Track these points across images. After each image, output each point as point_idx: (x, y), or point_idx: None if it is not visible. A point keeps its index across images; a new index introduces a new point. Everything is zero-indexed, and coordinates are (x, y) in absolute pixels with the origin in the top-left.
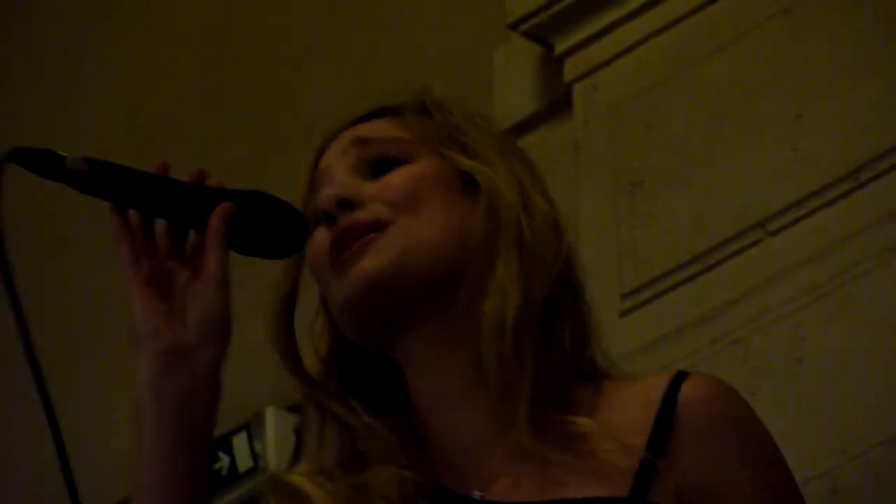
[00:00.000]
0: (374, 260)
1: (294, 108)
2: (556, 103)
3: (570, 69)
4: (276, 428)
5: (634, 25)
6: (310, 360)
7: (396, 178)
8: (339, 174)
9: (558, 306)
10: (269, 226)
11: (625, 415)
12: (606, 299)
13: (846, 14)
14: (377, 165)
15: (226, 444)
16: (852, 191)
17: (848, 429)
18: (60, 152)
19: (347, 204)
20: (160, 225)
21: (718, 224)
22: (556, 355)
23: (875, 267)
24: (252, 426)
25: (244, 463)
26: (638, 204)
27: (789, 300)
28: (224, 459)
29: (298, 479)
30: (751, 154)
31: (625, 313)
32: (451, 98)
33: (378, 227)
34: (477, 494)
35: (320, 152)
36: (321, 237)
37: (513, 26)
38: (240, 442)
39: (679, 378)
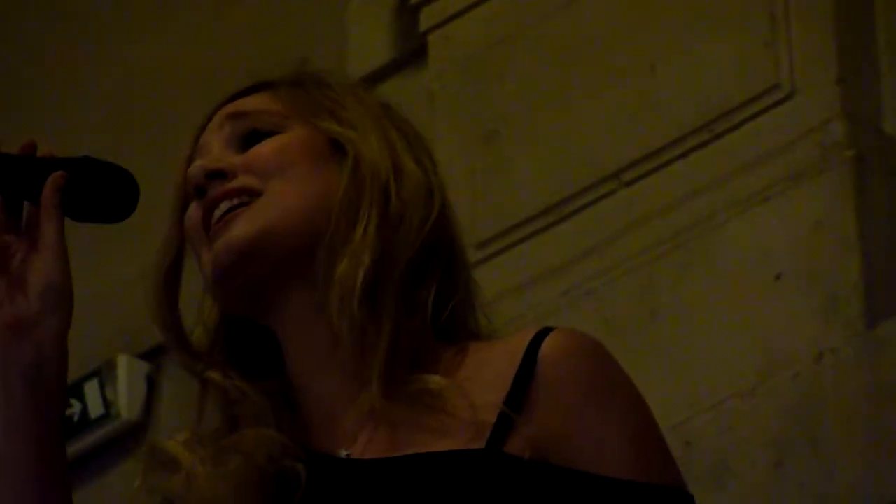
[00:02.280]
0: (240, 229)
1: (149, 69)
2: (412, 53)
3: (426, 19)
4: (127, 375)
5: None
6: (197, 333)
7: (264, 148)
8: (214, 149)
9: (426, 270)
10: (101, 190)
11: (487, 373)
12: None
13: None
14: (249, 138)
15: (77, 391)
16: (707, 142)
17: (700, 381)
18: None
19: (217, 175)
20: None
21: (573, 175)
22: (418, 318)
23: (729, 219)
24: (104, 373)
25: (95, 410)
26: (492, 154)
27: (643, 251)
28: (76, 406)
29: (172, 444)
30: (606, 105)
31: (478, 263)
32: (331, 72)
33: (247, 194)
34: (344, 453)
35: (201, 129)
36: (195, 211)
37: None
38: (91, 389)
39: (542, 334)
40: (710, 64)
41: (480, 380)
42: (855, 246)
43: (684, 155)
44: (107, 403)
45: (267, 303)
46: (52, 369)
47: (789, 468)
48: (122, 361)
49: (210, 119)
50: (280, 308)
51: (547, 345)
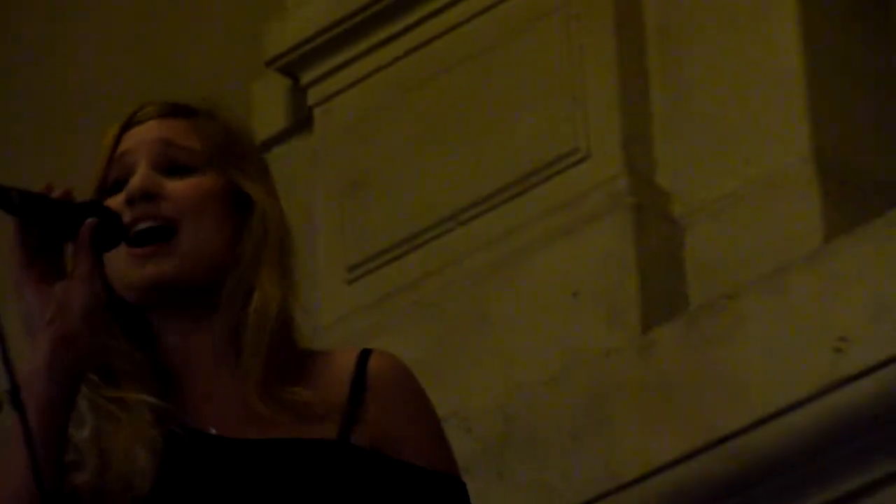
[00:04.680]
0: (158, 268)
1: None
2: (301, 123)
3: (312, 96)
4: None
5: (363, 63)
6: None
7: (186, 187)
8: (143, 165)
9: (294, 291)
10: (110, 229)
11: (328, 381)
12: (337, 271)
13: (526, 55)
14: (173, 166)
15: None
16: (522, 192)
17: (518, 372)
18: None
19: (149, 196)
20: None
21: (422, 215)
22: (287, 334)
23: (540, 250)
24: None
25: None
26: (359, 199)
27: (474, 274)
28: None
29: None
30: (449, 161)
31: (351, 281)
32: (236, 119)
33: (165, 222)
34: (212, 430)
35: (125, 127)
36: (119, 203)
37: (269, 63)
38: None
39: (365, 354)
40: (525, 132)
41: (324, 385)
42: (634, 271)
43: (505, 201)
44: None
45: (164, 311)
46: (83, 374)
47: (585, 439)
48: None
49: (135, 124)
50: (174, 316)
51: (374, 362)
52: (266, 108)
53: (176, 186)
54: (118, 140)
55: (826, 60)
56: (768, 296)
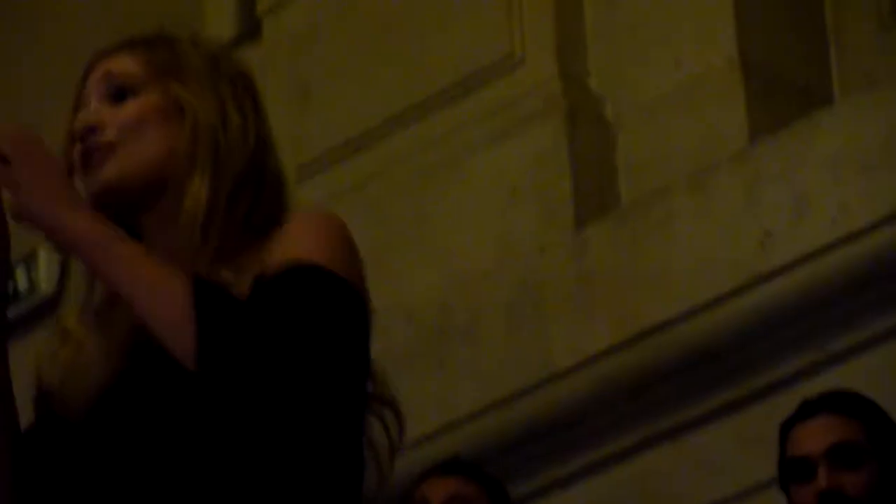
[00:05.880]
0: (104, 172)
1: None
2: (251, 31)
3: (261, 4)
4: (47, 261)
5: None
6: None
7: (127, 110)
8: (93, 102)
9: (244, 188)
10: None
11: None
12: (287, 170)
13: None
14: (118, 94)
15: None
16: (462, 95)
17: (456, 266)
18: None
19: (92, 129)
20: None
21: (365, 120)
22: (235, 225)
23: (479, 149)
24: (29, 260)
25: (23, 285)
26: (306, 107)
27: (416, 174)
28: (10, 284)
29: (67, 319)
30: (390, 69)
31: (298, 181)
32: (180, 30)
33: (109, 148)
34: None
35: (86, 75)
36: (76, 152)
37: None
38: (20, 271)
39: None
40: (462, 38)
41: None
42: (567, 171)
43: (444, 105)
44: (32, 281)
45: (128, 215)
46: None
47: (520, 331)
48: (43, 252)
49: (87, 72)
50: (138, 220)
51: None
52: (217, 17)
53: (119, 112)
54: (82, 88)
55: None
56: (696, 193)
